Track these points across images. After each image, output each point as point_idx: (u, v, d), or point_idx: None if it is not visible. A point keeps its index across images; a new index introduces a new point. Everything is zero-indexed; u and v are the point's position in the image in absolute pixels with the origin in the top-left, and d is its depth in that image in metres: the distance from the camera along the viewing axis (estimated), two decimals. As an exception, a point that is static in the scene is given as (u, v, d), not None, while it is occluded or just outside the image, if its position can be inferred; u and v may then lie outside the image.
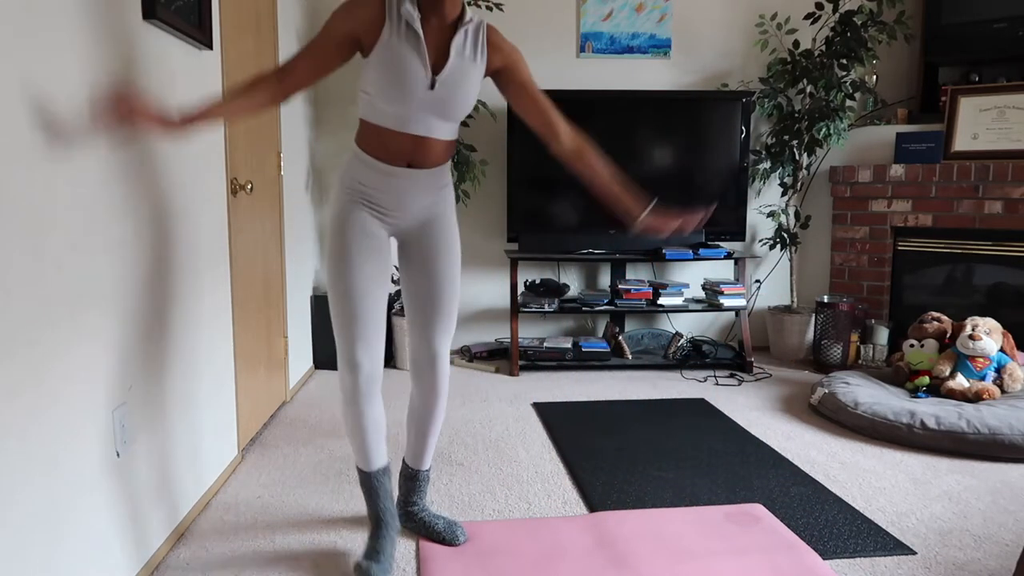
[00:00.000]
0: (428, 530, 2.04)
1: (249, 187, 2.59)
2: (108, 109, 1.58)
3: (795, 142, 4.02)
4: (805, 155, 4.04)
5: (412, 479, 2.09)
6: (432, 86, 1.72)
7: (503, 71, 1.85)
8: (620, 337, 4.04)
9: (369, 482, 1.94)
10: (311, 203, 3.98)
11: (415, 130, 1.76)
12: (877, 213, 4.06)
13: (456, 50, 1.74)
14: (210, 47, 2.23)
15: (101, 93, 1.58)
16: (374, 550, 1.89)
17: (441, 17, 1.72)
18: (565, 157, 1.90)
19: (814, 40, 4.05)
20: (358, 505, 2.28)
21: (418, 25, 1.69)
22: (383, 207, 1.83)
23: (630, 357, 4.02)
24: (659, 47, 4.20)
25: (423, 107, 1.74)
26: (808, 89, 4.01)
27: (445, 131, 1.81)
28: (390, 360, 3.94)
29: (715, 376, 3.85)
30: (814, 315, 4.05)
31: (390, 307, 3.90)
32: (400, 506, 2.10)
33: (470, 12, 1.78)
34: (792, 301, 4.23)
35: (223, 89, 2.40)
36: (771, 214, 4.12)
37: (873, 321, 4.01)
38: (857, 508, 2.27)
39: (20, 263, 1.33)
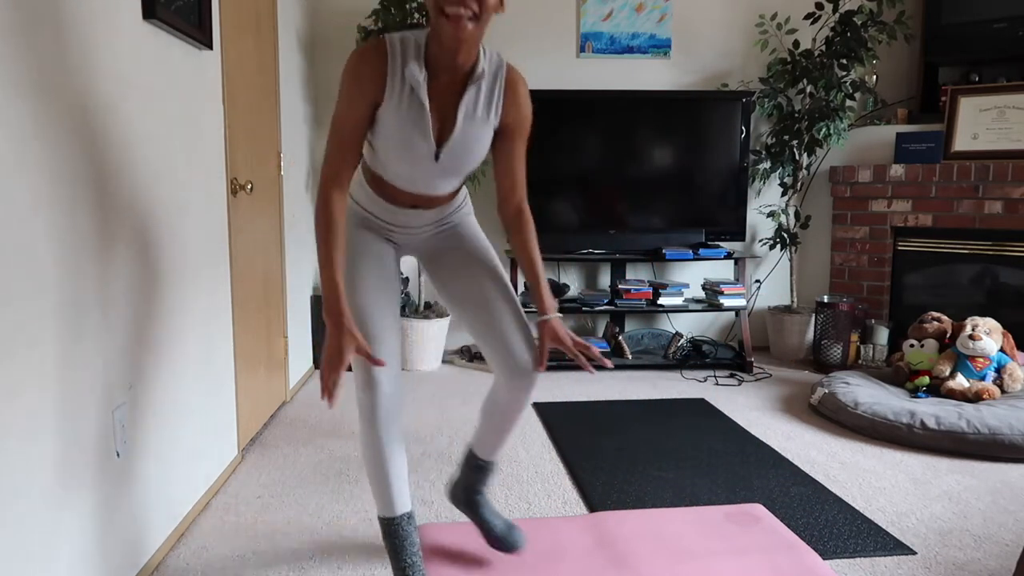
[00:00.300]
0: (485, 527, 1.91)
1: (249, 187, 2.59)
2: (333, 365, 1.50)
3: (795, 142, 4.02)
4: (805, 155, 4.04)
5: (481, 470, 1.90)
6: (436, 158, 1.61)
7: (507, 128, 1.66)
8: (620, 337, 4.04)
9: (394, 531, 1.69)
10: (311, 203, 3.98)
11: (419, 190, 1.68)
12: (877, 213, 4.06)
13: (465, 113, 1.58)
14: (210, 47, 2.23)
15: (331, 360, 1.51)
16: None
17: (452, 72, 1.55)
18: (507, 222, 1.76)
19: (814, 40, 4.05)
20: (358, 505, 2.28)
21: (423, 92, 1.53)
22: (391, 229, 1.76)
23: (630, 357, 4.02)
24: (659, 47, 4.20)
25: (427, 173, 1.64)
26: (808, 89, 4.01)
27: (452, 185, 1.71)
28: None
29: (715, 376, 3.85)
30: (814, 315, 4.05)
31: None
32: (460, 491, 1.93)
33: (486, 57, 1.58)
34: (792, 301, 4.23)
35: (223, 89, 2.40)
36: (771, 214, 4.13)
37: (873, 321, 4.01)
38: (857, 508, 2.27)
39: (20, 263, 1.33)
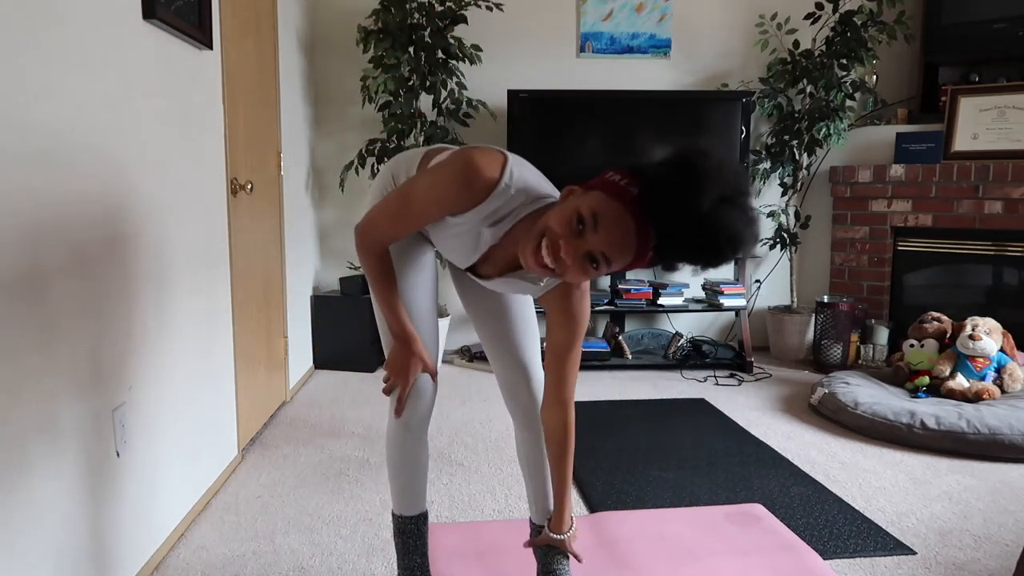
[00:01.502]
0: None
1: (249, 187, 2.59)
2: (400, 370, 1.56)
3: (795, 142, 4.02)
4: (805, 155, 4.04)
5: (548, 544, 1.64)
6: (471, 270, 1.50)
7: (558, 312, 1.46)
8: (620, 337, 4.04)
9: (409, 530, 1.68)
10: (311, 203, 3.98)
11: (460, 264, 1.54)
12: (877, 213, 4.06)
13: (503, 281, 1.47)
14: (210, 47, 2.23)
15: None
16: None
17: (514, 261, 1.39)
18: (550, 426, 1.55)
19: (814, 40, 4.05)
20: (358, 505, 2.28)
21: (482, 245, 1.40)
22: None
23: (630, 357, 4.02)
24: (659, 47, 4.20)
25: (460, 261, 1.50)
26: (808, 89, 4.01)
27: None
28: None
29: (715, 376, 3.85)
30: (814, 315, 4.05)
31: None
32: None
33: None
34: (792, 301, 4.23)
35: (223, 89, 2.40)
36: (771, 214, 4.12)
37: (873, 321, 4.01)
38: (857, 508, 2.27)
39: (19, 263, 1.33)
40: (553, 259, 1.20)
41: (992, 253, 3.79)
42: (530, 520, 1.73)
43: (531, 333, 1.68)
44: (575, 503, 2.31)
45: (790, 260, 4.23)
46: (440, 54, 3.67)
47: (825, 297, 4.05)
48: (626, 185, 1.16)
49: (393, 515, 1.71)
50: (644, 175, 1.16)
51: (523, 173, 1.37)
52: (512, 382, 1.65)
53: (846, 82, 3.91)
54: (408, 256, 1.59)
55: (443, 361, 4.08)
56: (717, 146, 3.98)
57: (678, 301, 3.96)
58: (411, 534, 1.69)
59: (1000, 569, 1.92)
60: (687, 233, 1.11)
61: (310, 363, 3.86)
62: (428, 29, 3.62)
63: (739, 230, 1.11)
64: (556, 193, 1.38)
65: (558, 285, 1.43)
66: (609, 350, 3.98)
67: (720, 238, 1.10)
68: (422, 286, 1.62)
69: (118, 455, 1.70)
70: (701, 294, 4.20)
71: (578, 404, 3.26)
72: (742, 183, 1.14)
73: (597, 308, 3.91)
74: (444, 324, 3.94)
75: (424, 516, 1.70)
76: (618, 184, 1.17)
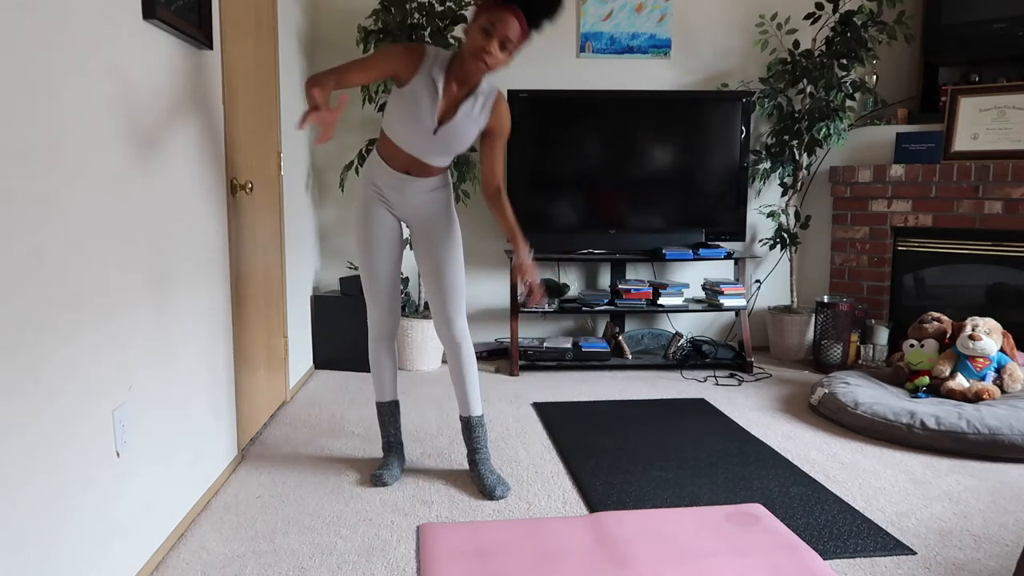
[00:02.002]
0: (478, 481, 2.39)
1: (249, 187, 2.59)
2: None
3: (795, 142, 4.02)
4: (805, 155, 4.04)
5: (466, 427, 2.46)
6: (435, 132, 2.20)
7: (491, 132, 2.31)
8: (620, 337, 4.04)
9: (383, 411, 2.56)
10: (311, 203, 3.98)
11: (415, 153, 2.25)
12: (877, 213, 4.06)
13: (463, 112, 2.21)
14: (210, 47, 2.23)
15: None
16: (384, 464, 2.51)
17: (461, 85, 2.19)
18: (489, 199, 2.37)
19: (814, 40, 4.05)
20: (358, 505, 2.28)
21: (440, 86, 2.16)
22: (391, 201, 2.36)
23: (630, 357, 4.02)
24: (659, 47, 4.20)
25: (424, 142, 2.22)
26: (808, 89, 4.01)
27: (439, 161, 2.30)
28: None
29: (715, 376, 3.85)
30: (814, 315, 4.05)
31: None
32: (468, 456, 2.47)
33: (487, 82, 2.23)
34: (792, 301, 4.23)
35: (223, 89, 2.40)
36: (771, 214, 4.12)
37: (873, 321, 4.01)
38: (857, 508, 2.27)
39: (20, 263, 1.33)
40: (487, 53, 2.06)
41: (992, 253, 3.79)
42: (460, 416, 2.49)
43: (458, 292, 2.38)
44: (575, 503, 2.31)
45: (790, 260, 4.23)
46: (440, 54, 3.67)
47: (825, 297, 4.05)
48: None
49: (376, 402, 2.60)
50: None
51: (436, 47, 2.24)
52: (439, 324, 2.41)
53: (846, 82, 3.91)
54: (376, 236, 2.38)
55: (443, 361, 4.09)
56: (717, 146, 4.00)
57: (678, 301, 3.96)
58: (387, 415, 2.57)
59: (1000, 569, 1.93)
60: (536, 6, 2.06)
61: (310, 363, 3.86)
62: (428, 29, 3.63)
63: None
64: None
65: (489, 121, 2.28)
66: (609, 350, 3.98)
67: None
68: (386, 259, 2.40)
69: (118, 455, 1.70)
70: (701, 294, 4.20)
71: (578, 404, 3.28)
72: None
73: (597, 308, 3.91)
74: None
75: (394, 403, 2.57)
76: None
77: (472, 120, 2.23)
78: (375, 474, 2.44)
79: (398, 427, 2.59)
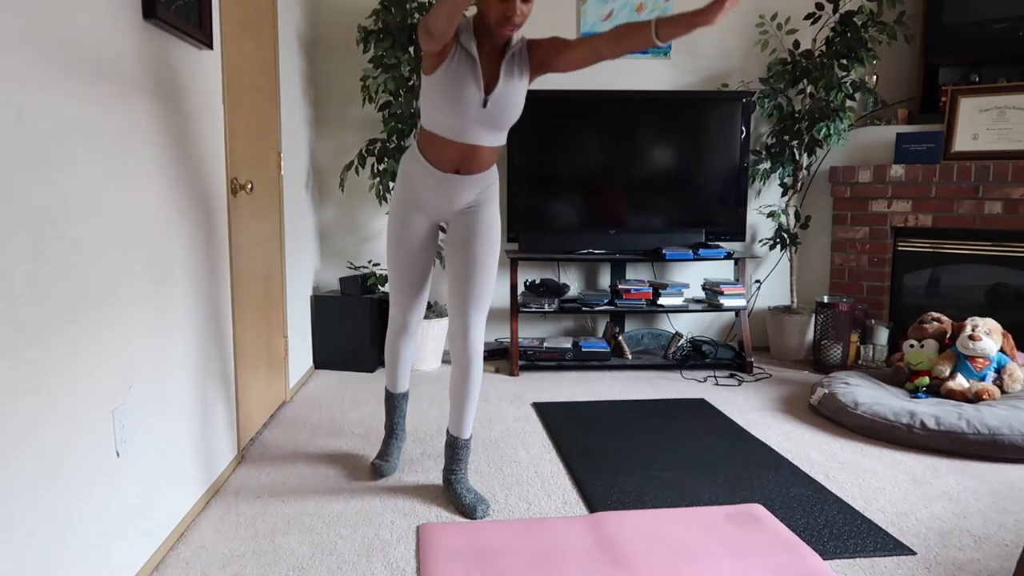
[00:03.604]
0: (456, 501, 2.26)
1: (249, 187, 2.59)
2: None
3: (795, 142, 4.02)
4: (805, 155, 4.04)
5: (451, 446, 2.35)
6: (484, 104, 2.07)
7: (549, 56, 2.13)
8: (620, 337, 4.04)
9: (390, 400, 2.59)
10: (311, 203, 3.98)
11: (467, 138, 2.11)
12: (877, 213, 4.06)
13: (505, 72, 2.09)
14: (210, 47, 2.23)
15: None
16: (384, 453, 2.56)
17: (494, 44, 2.08)
18: (611, 47, 2.02)
19: (814, 40, 4.05)
20: (358, 505, 2.28)
21: (475, 51, 2.04)
22: (429, 204, 2.23)
23: (630, 357, 4.02)
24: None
25: (476, 121, 2.09)
26: (808, 89, 4.01)
27: (494, 140, 2.16)
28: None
29: (715, 376, 3.85)
30: (814, 315, 4.05)
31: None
32: (444, 473, 2.37)
33: (516, 35, 2.11)
34: (792, 301, 4.23)
35: (223, 89, 2.40)
36: (771, 214, 4.12)
37: (873, 321, 4.01)
38: (857, 508, 2.27)
39: (20, 263, 1.33)
40: (512, 13, 1.96)
41: (992, 253, 3.79)
42: (448, 430, 2.36)
43: (484, 298, 2.23)
44: (575, 503, 2.31)
45: (790, 260, 4.23)
46: (440, 54, 3.67)
47: (825, 297, 4.05)
48: None
49: (385, 390, 2.61)
50: None
51: None
52: (456, 331, 2.24)
53: (846, 82, 3.91)
54: (409, 240, 2.28)
55: (443, 361, 4.09)
56: (717, 146, 4.00)
57: (678, 301, 3.96)
58: (394, 404, 2.59)
59: (1000, 569, 1.93)
60: None
61: (310, 363, 3.86)
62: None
63: None
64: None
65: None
66: (609, 350, 3.98)
67: None
68: (415, 260, 2.31)
69: (118, 455, 1.70)
70: (701, 294, 4.20)
71: (578, 404, 3.28)
72: None
73: (597, 308, 3.91)
74: (444, 324, 3.94)
75: (404, 395, 2.60)
76: None
77: (517, 79, 2.12)
78: (373, 463, 2.51)
79: (403, 416, 2.63)
